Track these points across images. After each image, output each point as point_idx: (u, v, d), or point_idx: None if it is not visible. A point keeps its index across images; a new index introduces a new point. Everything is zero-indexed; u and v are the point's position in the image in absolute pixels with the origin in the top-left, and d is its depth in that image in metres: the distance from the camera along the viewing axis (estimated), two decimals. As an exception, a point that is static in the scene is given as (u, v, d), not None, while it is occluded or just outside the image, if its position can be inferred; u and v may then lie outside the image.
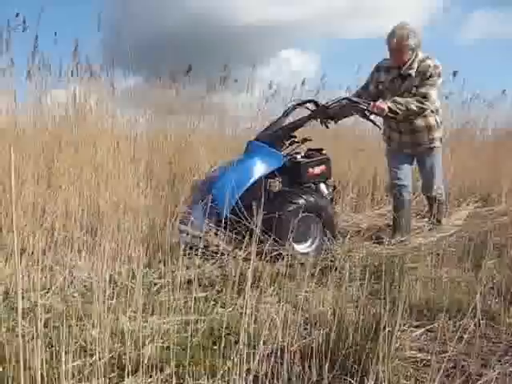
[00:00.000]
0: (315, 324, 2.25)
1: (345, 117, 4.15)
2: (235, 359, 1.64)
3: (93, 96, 4.50)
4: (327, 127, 4.05)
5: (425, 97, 3.99)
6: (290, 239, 3.48)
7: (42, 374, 1.47)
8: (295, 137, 3.99)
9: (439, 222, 4.55)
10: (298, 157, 3.93)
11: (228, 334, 2.05)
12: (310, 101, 4.17)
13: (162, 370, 1.81)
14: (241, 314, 2.30)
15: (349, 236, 3.68)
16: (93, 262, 2.89)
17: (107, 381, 1.65)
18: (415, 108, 3.97)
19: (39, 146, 3.54)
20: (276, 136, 3.87)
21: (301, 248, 3.60)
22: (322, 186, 3.98)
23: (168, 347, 1.92)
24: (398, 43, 4.05)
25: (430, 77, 4.02)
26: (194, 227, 3.35)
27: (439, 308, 2.50)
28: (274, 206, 3.42)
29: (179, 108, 6.00)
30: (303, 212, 3.55)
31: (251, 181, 3.66)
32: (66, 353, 1.51)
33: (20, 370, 1.34)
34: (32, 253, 2.79)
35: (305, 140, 3.99)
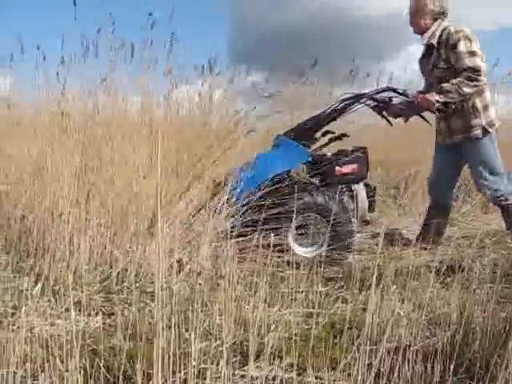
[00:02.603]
0: (439, 325, 2.19)
1: (411, 115, 3.79)
2: (356, 354, 1.63)
3: (217, 93, 4.62)
4: (391, 124, 3.73)
5: (475, 70, 3.37)
6: (290, 239, 3.32)
7: (170, 353, 1.54)
8: (333, 132, 3.71)
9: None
10: (329, 154, 3.62)
11: (349, 329, 2.04)
12: (359, 95, 3.66)
13: (282, 359, 1.84)
14: (363, 309, 2.29)
15: (478, 237, 3.50)
16: (217, 256, 2.98)
17: (231, 364, 1.70)
18: (469, 89, 3.38)
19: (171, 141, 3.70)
20: (306, 130, 3.58)
21: (301, 251, 3.36)
22: (357, 188, 3.56)
23: (289, 337, 1.95)
24: (415, 6, 3.66)
25: (457, 43, 3.42)
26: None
27: None
28: (280, 199, 3.24)
29: (304, 103, 6.03)
30: (307, 211, 3.31)
31: (268, 175, 3.39)
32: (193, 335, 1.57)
33: (151, 348, 1.42)
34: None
35: (343, 135, 3.68)
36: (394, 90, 3.65)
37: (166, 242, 2.78)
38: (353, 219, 3.44)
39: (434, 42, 3.58)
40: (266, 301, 2.18)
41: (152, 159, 3.14)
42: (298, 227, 3.36)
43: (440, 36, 3.57)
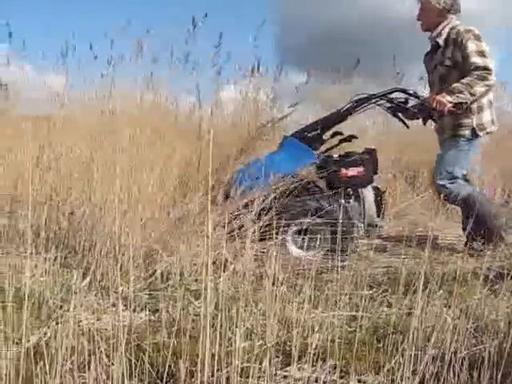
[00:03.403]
0: (486, 333, 2.14)
1: (427, 118, 3.70)
2: (401, 359, 1.62)
3: (262, 93, 4.65)
4: (407, 127, 3.64)
5: (485, 69, 3.28)
6: (289, 241, 3.24)
7: (214, 351, 1.56)
8: (341, 133, 3.59)
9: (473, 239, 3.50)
10: (335, 155, 3.50)
11: (393, 333, 2.02)
12: (371, 96, 3.51)
13: (325, 361, 1.84)
14: (408, 314, 2.26)
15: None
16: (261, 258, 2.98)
17: (273, 364, 1.70)
18: (481, 88, 3.30)
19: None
20: (314, 131, 3.44)
21: (301, 254, 3.21)
22: (364, 192, 3.42)
23: (332, 340, 1.94)
24: (420, 3, 3.57)
25: (467, 43, 3.33)
26: None
27: None
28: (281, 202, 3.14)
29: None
30: (310, 214, 3.18)
31: (269, 177, 3.21)
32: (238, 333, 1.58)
33: (195, 345, 1.44)
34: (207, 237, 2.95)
35: (351, 137, 3.58)
36: (404, 91, 3.58)
37: (213, 240, 2.81)
38: (359, 224, 3.36)
39: (441, 41, 3.53)
40: (309, 302, 2.17)
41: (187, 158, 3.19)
42: (298, 230, 3.29)
43: (448, 35, 3.50)
